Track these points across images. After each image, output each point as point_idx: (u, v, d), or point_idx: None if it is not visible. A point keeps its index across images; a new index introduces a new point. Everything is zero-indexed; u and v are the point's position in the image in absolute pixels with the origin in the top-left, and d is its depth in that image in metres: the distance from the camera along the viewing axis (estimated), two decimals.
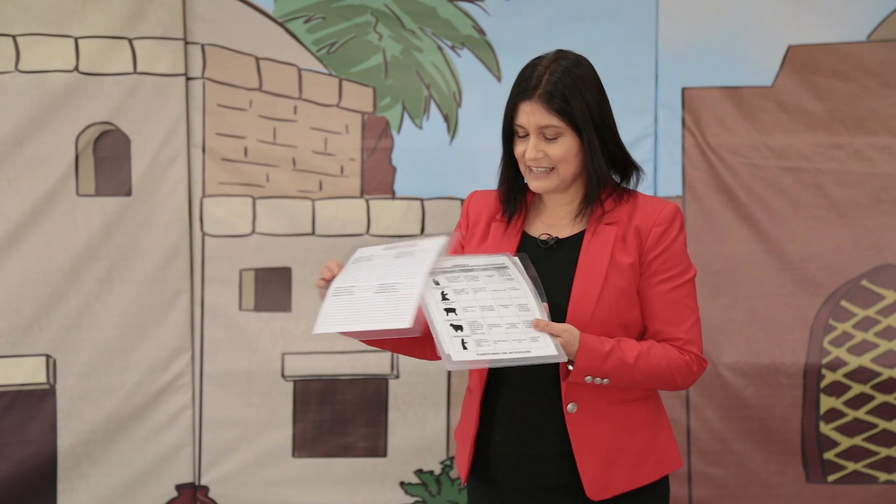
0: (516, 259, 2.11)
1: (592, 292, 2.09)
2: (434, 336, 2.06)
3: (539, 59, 2.18)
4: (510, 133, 2.18)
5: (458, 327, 2.05)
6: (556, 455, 2.13)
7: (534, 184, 2.16)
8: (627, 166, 2.20)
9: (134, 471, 3.56)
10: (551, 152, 2.13)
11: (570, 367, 2.04)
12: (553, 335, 2.01)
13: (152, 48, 3.50)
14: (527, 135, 2.14)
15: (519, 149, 2.16)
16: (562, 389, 2.10)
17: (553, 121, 2.12)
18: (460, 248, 2.26)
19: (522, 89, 2.14)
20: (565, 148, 2.13)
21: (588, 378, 2.05)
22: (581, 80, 2.14)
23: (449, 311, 2.05)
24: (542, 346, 2.01)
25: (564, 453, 2.12)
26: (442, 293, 2.07)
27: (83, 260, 3.50)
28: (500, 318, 2.04)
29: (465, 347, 2.04)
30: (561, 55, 2.17)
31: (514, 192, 2.23)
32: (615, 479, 2.13)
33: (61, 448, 3.53)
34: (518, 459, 2.16)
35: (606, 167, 2.16)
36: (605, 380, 2.06)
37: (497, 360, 2.04)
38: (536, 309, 2.04)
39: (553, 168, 2.13)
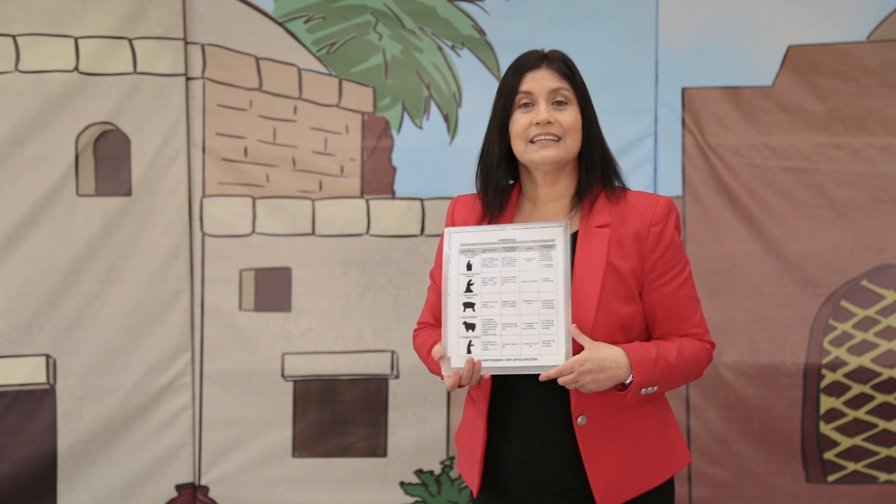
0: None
1: (592, 297, 2.07)
2: (443, 332, 2.05)
3: (529, 50, 2.19)
4: (507, 112, 2.14)
5: (470, 326, 2.04)
6: (563, 461, 2.12)
7: (540, 153, 2.11)
8: (610, 167, 2.18)
9: (134, 471, 3.56)
10: (562, 119, 2.11)
11: (628, 382, 2.03)
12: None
13: (152, 48, 3.50)
14: (531, 103, 2.12)
15: (523, 120, 2.12)
16: (571, 401, 2.08)
17: (564, 83, 2.11)
18: None
19: (526, 61, 2.13)
20: (574, 116, 2.12)
21: (643, 390, 2.04)
22: (575, 67, 2.17)
23: (467, 305, 2.05)
24: (551, 354, 2.00)
25: (572, 459, 2.11)
26: (468, 283, 2.06)
27: (83, 260, 3.50)
28: (519, 317, 2.03)
29: (469, 350, 2.04)
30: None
31: (500, 191, 2.19)
32: (625, 486, 2.12)
33: (61, 448, 3.53)
34: (526, 467, 2.14)
35: (600, 157, 2.16)
36: (656, 387, 2.05)
37: (498, 369, 2.03)
38: (562, 307, 2.02)
39: (560, 138, 2.11)
